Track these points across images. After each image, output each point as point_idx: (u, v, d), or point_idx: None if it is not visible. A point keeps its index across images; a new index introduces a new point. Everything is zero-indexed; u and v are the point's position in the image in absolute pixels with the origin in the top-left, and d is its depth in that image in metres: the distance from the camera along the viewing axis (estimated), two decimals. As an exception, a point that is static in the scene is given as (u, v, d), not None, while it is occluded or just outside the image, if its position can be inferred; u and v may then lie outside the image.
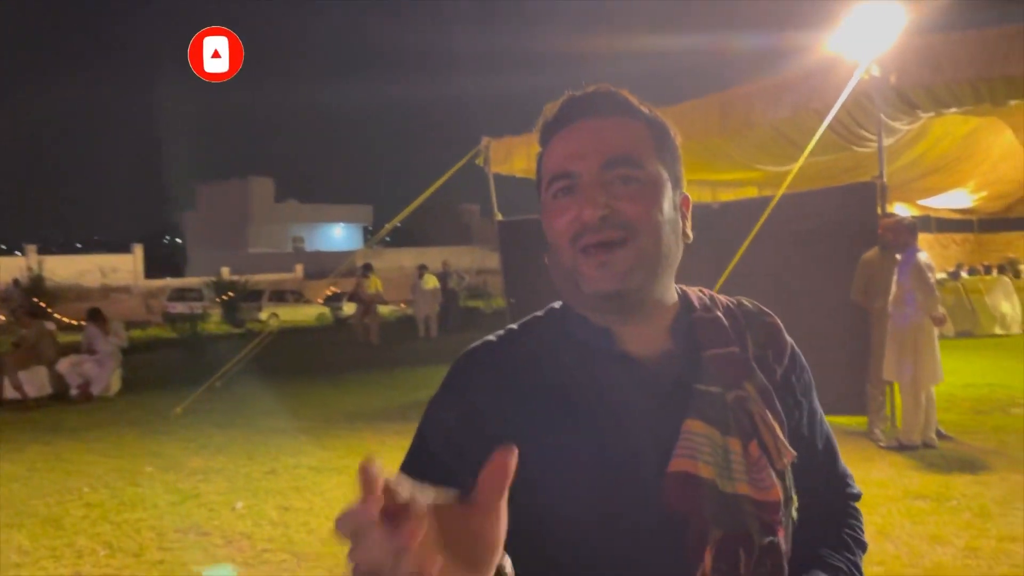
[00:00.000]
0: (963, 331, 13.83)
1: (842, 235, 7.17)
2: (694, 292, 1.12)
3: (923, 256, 6.42)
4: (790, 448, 1.00)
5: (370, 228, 54.33)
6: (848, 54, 7.02)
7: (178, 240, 61.29)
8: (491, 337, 1.09)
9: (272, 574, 4.35)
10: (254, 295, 25.43)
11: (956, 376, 8.75)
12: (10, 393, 10.42)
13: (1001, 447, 6.30)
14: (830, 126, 7.36)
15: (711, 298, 1.11)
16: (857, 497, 1.20)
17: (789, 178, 6.81)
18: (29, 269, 26.75)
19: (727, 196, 12.11)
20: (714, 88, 8.27)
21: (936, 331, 6.43)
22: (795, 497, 1.02)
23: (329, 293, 25.84)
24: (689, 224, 1.07)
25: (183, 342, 18.17)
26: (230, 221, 47.90)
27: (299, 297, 26.32)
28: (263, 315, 23.63)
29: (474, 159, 9.92)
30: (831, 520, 1.15)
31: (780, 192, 6.78)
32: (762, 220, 6.60)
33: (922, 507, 4.94)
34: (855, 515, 1.18)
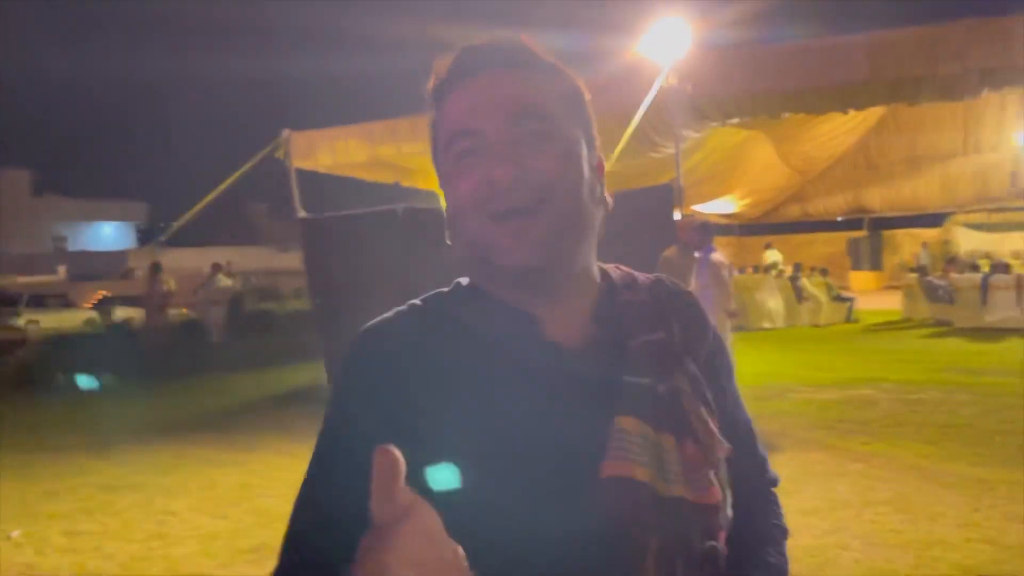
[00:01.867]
0: (737, 325, 15.11)
1: (642, 234, 7.55)
2: (613, 270, 1.00)
3: (718, 255, 6.90)
4: (724, 442, 0.90)
5: (142, 226, 50.57)
6: (649, 62, 7.42)
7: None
8: (388, 314, 0.93)
9: (66, 608, 3.86)
10: (9, 299, 22.74)
11: (738, 366, 9.47)
12: None
13: (784, 429, 6.88)
14: (632, 132, 7.77)
15: (632, 276, 1.00)
16: (776, 482, 1.12)
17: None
18: None
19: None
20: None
21: (728, 324, 6.94)
22: (729, 493, 0.92)
23: (99, 297, 23.68)
24: (605, 190, 0.95)
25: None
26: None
27: (64, 301, 23.87)
28: (20, 321, 21.19)
29: (273, 152, 9.46)
30: (759, 510, 1.07)
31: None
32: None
33: (727, 488, 5.28)
34: (776, 502, 1.11)
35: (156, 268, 14.51)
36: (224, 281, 16.10)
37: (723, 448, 0.89)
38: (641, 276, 1.01)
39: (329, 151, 9.15)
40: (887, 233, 25.32)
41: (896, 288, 19.17)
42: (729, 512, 0.91)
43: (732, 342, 6.92)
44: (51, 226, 46.63)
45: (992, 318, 13.81)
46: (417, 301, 0.95)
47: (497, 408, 0.83)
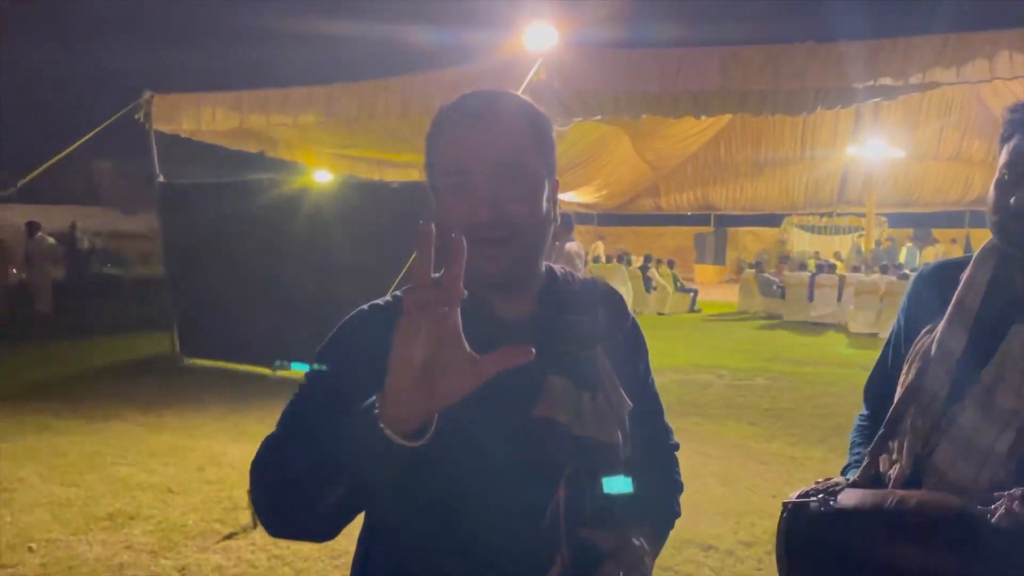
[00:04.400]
0: (589, 311, 15.82)
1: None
2: (557, 269, 1.29)
3: (573, 245, 7.32)
4: (627, 400, 1.22)
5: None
6: (524, 56, 7.71)
7: None
8: (378, 301, 1.21)
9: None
10: None
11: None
12: None
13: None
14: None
15: (571, 274, 1.30)
16: (676, 447, 1.47)
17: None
18: None
19: (393, 176, 12.50)
20: (398, 73, 8.50)
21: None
22: (630, 441, 1.23)
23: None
24: (557, 208, 1.25)
25: None
26: None
27: None
28: None
29: (133, 113, 9.10)
30: (662, 466, 1.41)
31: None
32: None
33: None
34: (674, 460, 1.45)
35: (32, 227, 13.40)
36: (47, 241, 14.50)
37: (626, 404, 1.22)
38: (578, 275, 1.32)
39: (194, 117, 8.91)
40: (731, 230, 26.92)
41: (735, 282, 20.53)
42: (628, 453, 1.23)
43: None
44: None
45: (816, 313, 15.09)
46: (399, 292, 1.17)
47: None
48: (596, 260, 18.00)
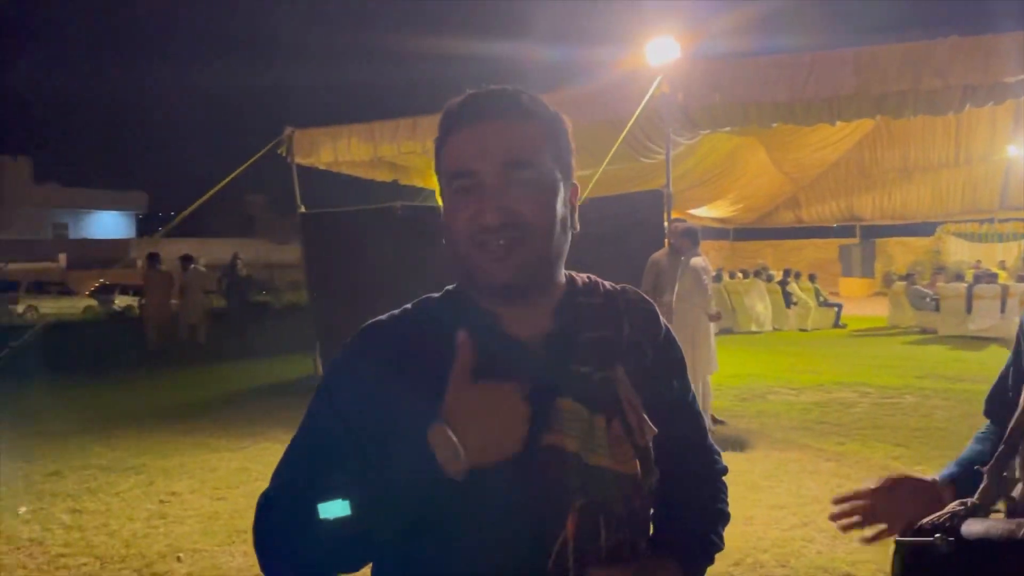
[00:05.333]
0: (724, 328, 15.35)
1: (632, 237, 7.79)
2: (581, 278, 1.21)
3: (699, 260, 7.13)
4: (652, 426, 1.11)
5: (142, 216, 50.60)
6: (644, 71, 7.65)
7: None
8: (383, 317, 1.15)
9: (74, 579, 4.08)
10: (9, 285, 22.91)
11: (722, 368, 9.74)
12: None
13: (763, 429, 7.14)
14: (625, 137, 7.99)
15: (595, 284, 1.21)
16: (724, 471, 1.34)
17: (591, 183, 7.30)
18: None
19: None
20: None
21: (713, 326, 7.17)
22: (656, 470, 1.12)
23: (98, 285, 23.85)
24: (576, 214, 1.18)
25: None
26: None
27: (63, 289, 24.04)
28: (19, 308, 21.38)
29: (276, 148, 9.67)
30: (700, 493, 1.28)
31: (584, 195, 7.23)
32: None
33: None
34: (722, 488, 1.32)
35: (153, 259, 14.53)
36: (199, 272, 15.27)
37: (650, 430, 1.11)
38: (606, 284, 1.23)
39: (331, 149, 9.37)
40: (879, 241, 25.55)
41: (884, 295, 19.42)
42: (653, 485, 1.13)
43: (715, 345, 7.16)
44: (52, 214, 46.67)
45: (975, 326, 14.03)
46: (408, 305, 1.18)
47: None
48: (717, 278, 17.42)
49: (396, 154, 9.34)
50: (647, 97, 7.16)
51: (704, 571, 1.22)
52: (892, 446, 6.46)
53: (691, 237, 7.16)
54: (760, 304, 16.22)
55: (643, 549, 1.12)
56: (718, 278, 17.09)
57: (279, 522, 1.03)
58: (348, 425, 1.06)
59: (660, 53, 7.60)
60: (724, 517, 1.28)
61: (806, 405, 8.23)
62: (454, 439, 0.96)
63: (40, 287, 23.37)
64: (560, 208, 1.10)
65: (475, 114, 1.08)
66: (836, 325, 16.78)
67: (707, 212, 20.61)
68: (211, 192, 9.16)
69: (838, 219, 23.68)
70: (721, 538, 1.26)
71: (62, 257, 32.54)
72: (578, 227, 1.17)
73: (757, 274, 17.90)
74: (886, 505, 1.46)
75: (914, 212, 22.34)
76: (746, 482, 5.48)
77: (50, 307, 21.61)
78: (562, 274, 1.18)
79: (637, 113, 7.18)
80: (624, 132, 7.21)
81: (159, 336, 13.88)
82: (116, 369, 12.06)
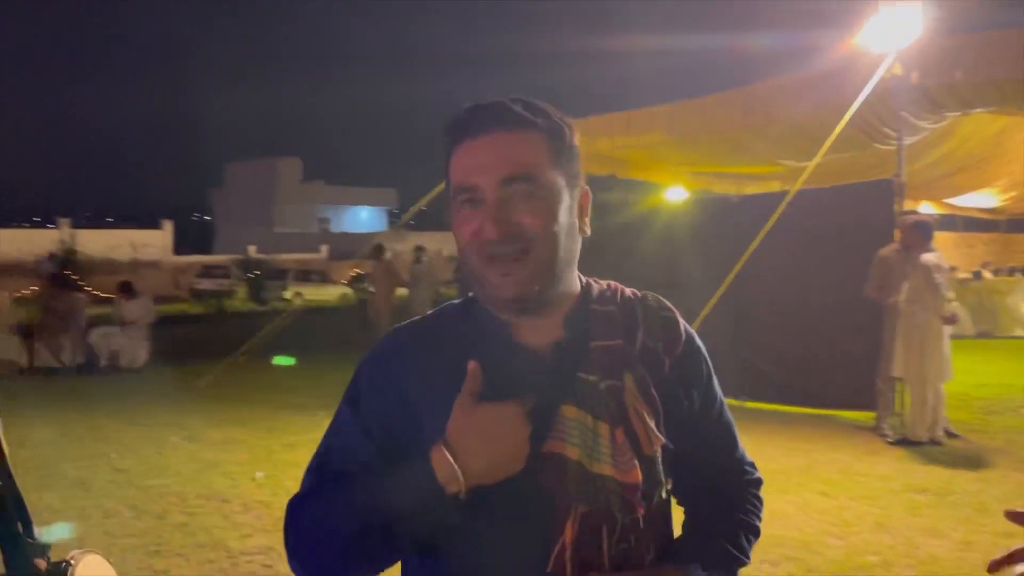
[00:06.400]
0: (983, 331, 13.77)
1: (858, 231, 7.22)
2: (599, 285, 1.20)
3: (933, 256, 6.47)
4: (660, 436, 1.09)
5: (395, 211, 54.59)
6: (871, 52, 7.06)
7: (207, 217, 61.86)
8: (408, 323, 1.22)
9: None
10: (279, 274, 25.79)
11: (970, 376, 8.78)
12: (41, 361, 10.77)
13: (1008, 446, 6.36)
14: (854, 123, 7.41)
15: (613, 291, 1.19)
16: (756, 483, 1.29)
17: (805, 174, 6.90)
18: (62, 242, 27.20)
19: (752, 189, 12.14)
20: (737, 84, 8.31)
21: (948, 330, 6.48)
22: (666, 480, 1.12)
23: (353, 274, 26.13)
24: (587, 219, 1.16)
25: (209, 317, 18.51)
26: (258, 200, 48.37)
27: (323, 277, 26.63)
28: (287, 294, 23.98)
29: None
30: (725, 505, 1.24)
31: (795, 187, 6.85)
32: (776, 215, 6.68)
33: (922, 501, 5.04)
34: (752, 500, 1.27)
35: (378, 249, 15.46)
36: (431, 267, 15.82)
37: (658, 440, 1.09)
38: (626, 291, 1.21)
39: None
40: None
41: None
42: (663, 496, 1.13)
43: (949, 350, 6.46)
44: (317, 209, 51.78)
45: None
46: (432, 311, 1.24)
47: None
48: (976, 275, 15.55)
49: (611, 148, 9.34)
50: (875, 79, 6.61)
51: None
52: None
53: (923, 231, 6.52)
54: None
55: (652, 559, 1.10)
56: (977, 275, 15.37)
57: (305, 527, 1.11)
58: (370, 433, 1.12)
59: (891, 32, 6.96)
60: (752, 530, 1.24)
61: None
62: (452, 463, 1.00)
63: (305, 276, 26.12)
64: (565, 216, 1.10)
65: (473, 128, 1.09)
66: None
67: (970, 201, 18.56)
68: (439, 188, 9.71)
69: None
70: (745, 552, 1.21)
71: (324, 248, 35.91)
72: (588, 232, 1.16)
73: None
74: None
75: None
76: (973, 504, 4.95)
77: (312, 294, 24.03)
78: (576, 281, 1.17)
79: (861, 97, 6.65)
80: (846, 117, 6.71)
81: (382, 324, 14.87)
82: (360, 350, 13.12)
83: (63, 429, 7.23)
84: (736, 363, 8.17)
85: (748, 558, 1.21)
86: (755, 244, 6.71)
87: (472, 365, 1.04)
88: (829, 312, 7.42)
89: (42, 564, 1.40)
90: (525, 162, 1.07)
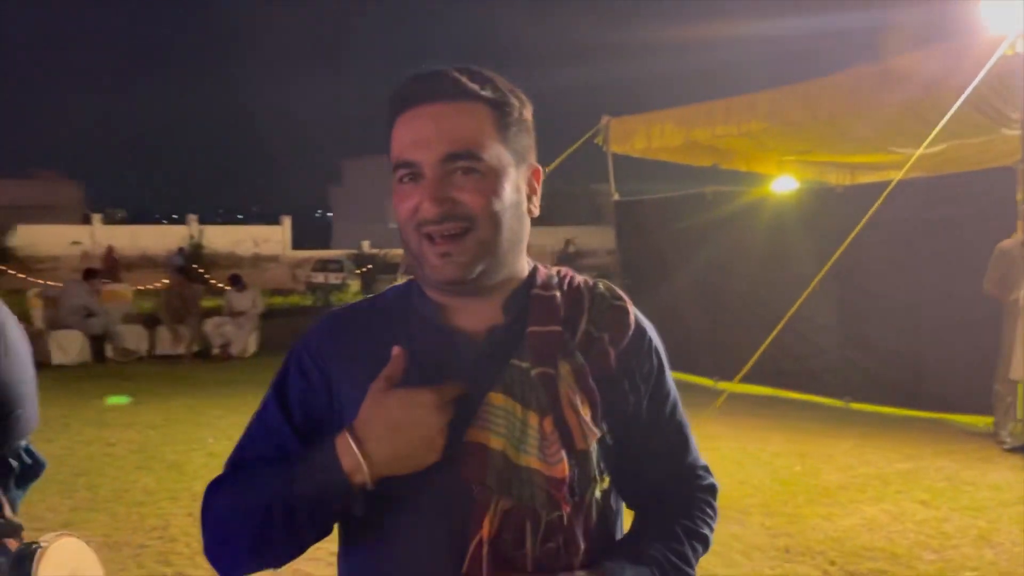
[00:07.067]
0: None
1: (976, 223, 6.73)
2: (546, 271, 1.12)
3: (1007, 242, 6.00)
4: (596, 429, 1.00)
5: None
6: (991, 29, 6.54)
7: (328, 214, 64.26)
8: (346, 305, 1.16)
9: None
10: (390, 268, 26.40)
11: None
12: (162, 348, 11.40)
13: None
14: (976, 106, 6.89)
15: (561, 278, 1.11)
16: (709, 489, 1.17)
17: (912, 159, 6.46)
18: (191, 237, 28.83)
19: (868, 179, 11.52)
20: (839, 68, 7.89)
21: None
22: (602, 478, 1.04)
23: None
24: (537, 199, 1.08)
25: (318, 310, 19.14)
26: (372, 196, 49.72)
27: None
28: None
29: (593, 138, 9.90)
30: (671, 510, 1.12)
31: (900, 175, 6.43)
32: (876, 205, 6.31)
33: (1036, 515, 4.62)
34: (702, 507, 1.15)
35: None
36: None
37: (592, 434, 1.00)
38: (577, 279, 1.12)
39: (644, 135, 9.32)
40: None
41: None
42: (597, 494, 1.04)
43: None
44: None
45: None
46: (377, 294, 1.17)
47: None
48: None
49: (711, 137, 9.04)
50: (991, 62, 6.10)
51: None
52: None
53: None
54: None
55: (582, 561, 1.01)
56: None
57: (219, 507, 1.06)
58: (291, 418, 1.07)
59: (1007, 10, 6.41)
60: (698, 538, 1.12)
61: None
62: (356, 452, 0.94)
63: (410, 271, 26.70)
64: (510, 195, 1.02)
65: (413, 99, 1.02)
66: None
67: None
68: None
69: None
70: (688, 561, 1.08)
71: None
72: (536, 212, 1.07)
73: None
74: None
75: None
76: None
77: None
78: (524, 265, 1.10)
79: (979, 78, 6.15)
80: (960, 100, 6.22)
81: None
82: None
83: (169, 414, 7.59)
84: (839, 362, 7.80)
85: (692, 569, 1.09)
86: (852, 236, 6.36)
87: (396, 350, 0.98)
88: (943, 309, 6.95)
89: (13, 544, 1.42)
90: (467, 136, 1.00)
